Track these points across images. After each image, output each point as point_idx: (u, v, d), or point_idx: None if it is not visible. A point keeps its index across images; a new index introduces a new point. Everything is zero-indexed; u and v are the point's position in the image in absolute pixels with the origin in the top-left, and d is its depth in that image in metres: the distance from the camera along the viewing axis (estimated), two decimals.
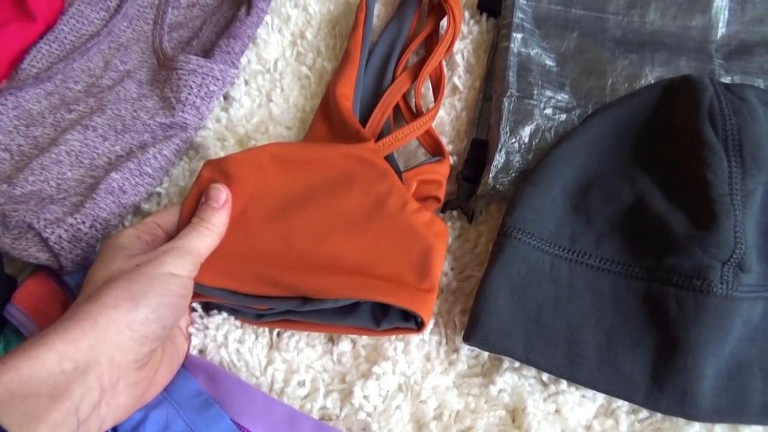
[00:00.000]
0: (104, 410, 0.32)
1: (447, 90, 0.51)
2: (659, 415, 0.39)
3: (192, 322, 0.41)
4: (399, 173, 0.42)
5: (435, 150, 0.46)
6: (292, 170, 0.41)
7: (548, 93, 0.46)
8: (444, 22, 0.52)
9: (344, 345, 0.42)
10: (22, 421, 0.27)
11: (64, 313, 0.32)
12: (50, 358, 0.29)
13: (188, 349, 0.40)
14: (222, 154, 0.50)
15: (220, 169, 0.40)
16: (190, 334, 0.41)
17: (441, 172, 0.44)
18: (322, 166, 0.41)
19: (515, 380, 0.40)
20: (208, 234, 0.38)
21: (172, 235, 0.39)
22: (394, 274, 0.39)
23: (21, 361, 0.29)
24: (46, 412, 0.28)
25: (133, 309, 0.32)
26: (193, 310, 0.41)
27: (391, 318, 0.39)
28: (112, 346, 0.31)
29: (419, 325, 0.39)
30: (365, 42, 0.50)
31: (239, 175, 0.40)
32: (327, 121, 0.47)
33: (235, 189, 0.40)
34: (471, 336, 0.38)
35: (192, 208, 0.40)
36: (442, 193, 0.44)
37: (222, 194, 0.39)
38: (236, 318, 0.41)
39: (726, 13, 0.49)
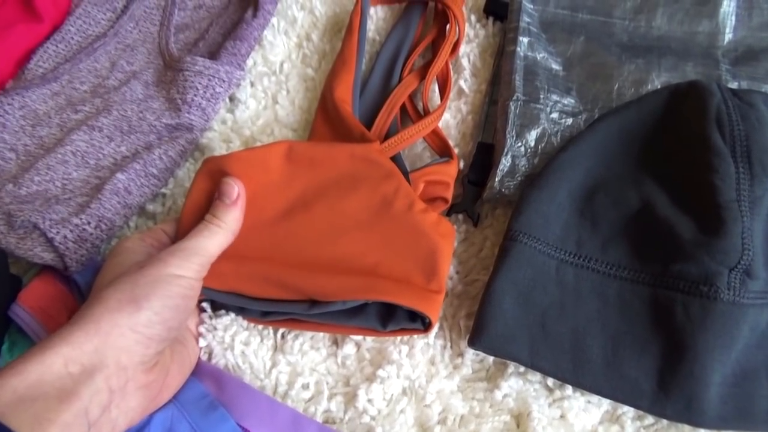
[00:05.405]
0: (115, 413, 0.31)
1: (453, 93, 0.51)
2: (665, 422, 0.38)
3: (201, 322, 0.41)
4: (406, 174, 0.42)
5: (442, 151, 0.46)
6: (298, 170, 0.40)
7: (554, 97, 0.46)
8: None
9: (348, 348, 0.42)
10: (32, 423, 0.27)
11: (71, 318, 0.32)
12: (56, 362, 0.29)
13: (199, 352, 0.40)
14: None
15: (220, 169, 0.39)
16: (199, 334, 0.41)
17: (448, 173, 0.43)
18: (327, 166, 0.40)
19: (520, 385, 0.40)
20: (220, 232, 0.37)
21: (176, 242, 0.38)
22: (402, 275, 0.38)
23: (28, 365, 0.29)
24: (55, 413, 0.28)
25: (135, 312, 0.32)
26: (203, 310, 0.41)
27: (398, 319, 0.39)
28: (116, 349, 0.31)
29: (426, 326, 0.39)
30: (361, 46, 0.49)
31: (243, 174, 0.39)
32: (328, 125, 0.46)
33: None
34: (476, 340, 0.38)
35: (193, 208, 0.39)
36: (449, 194, 0.44)
37: (234, 190, 0.38)
38: (243, 317, 0.41)
39: (733, 18, 0.49)
